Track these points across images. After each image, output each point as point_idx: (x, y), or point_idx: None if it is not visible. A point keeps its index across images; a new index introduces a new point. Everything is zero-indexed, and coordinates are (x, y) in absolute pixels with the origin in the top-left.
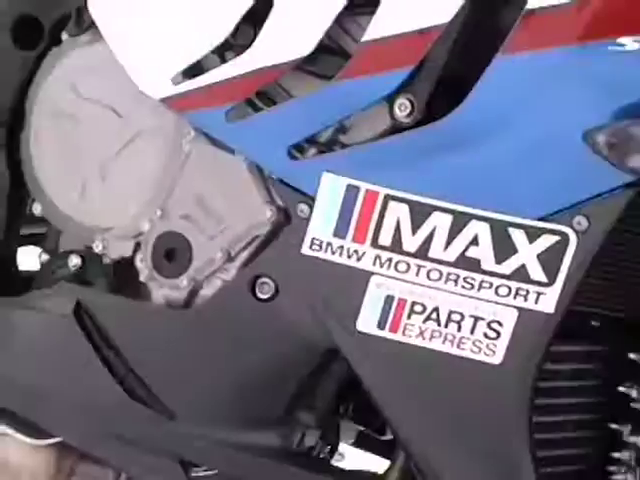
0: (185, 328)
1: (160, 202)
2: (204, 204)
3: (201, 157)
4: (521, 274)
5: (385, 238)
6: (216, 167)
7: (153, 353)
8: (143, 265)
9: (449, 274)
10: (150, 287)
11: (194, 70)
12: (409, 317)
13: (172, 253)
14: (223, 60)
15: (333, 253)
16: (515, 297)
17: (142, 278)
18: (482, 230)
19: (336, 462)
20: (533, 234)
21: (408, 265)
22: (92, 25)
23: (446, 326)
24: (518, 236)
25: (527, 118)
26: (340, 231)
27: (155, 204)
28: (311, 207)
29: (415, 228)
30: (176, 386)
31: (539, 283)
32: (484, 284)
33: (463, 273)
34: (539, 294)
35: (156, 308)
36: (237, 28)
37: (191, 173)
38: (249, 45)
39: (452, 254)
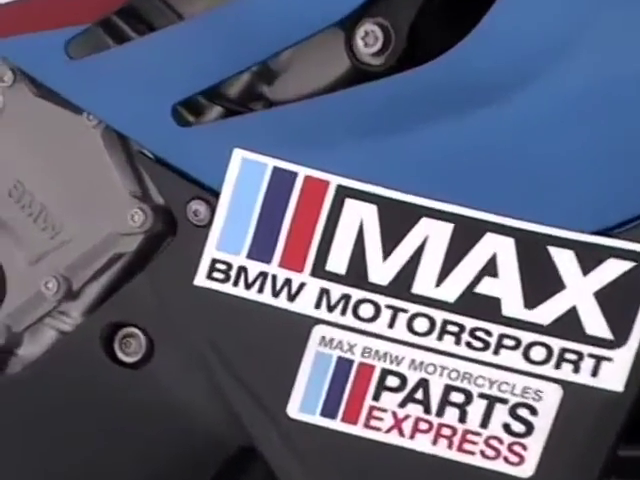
0: None
1: None
2: (27, 199)
3: (23, 117)
4: (569, 325)
5: (338, 261)
6: (49, 135)
7: None
8: None
9: (446, 324)
10: None
11: None
12: (377, 397)
13: None
14: None
15: (248, 286)
16: (558, 365)
17: None
18: (503, 250)
19: None
20: (590, 258)
21: (377, 307)
22: None
23: (439, 414)
24: (564, 260)
25: (575, 59)
26: (260, 248)
27: None
28: (212, 207)
29: (389, 245)
30: None
31: (600, 341)
32: (506, 342)
33: (470, 322)
34: (599, 360)
35: None
36: None
37: (5, 145)
38: None
39: (452, 290)
